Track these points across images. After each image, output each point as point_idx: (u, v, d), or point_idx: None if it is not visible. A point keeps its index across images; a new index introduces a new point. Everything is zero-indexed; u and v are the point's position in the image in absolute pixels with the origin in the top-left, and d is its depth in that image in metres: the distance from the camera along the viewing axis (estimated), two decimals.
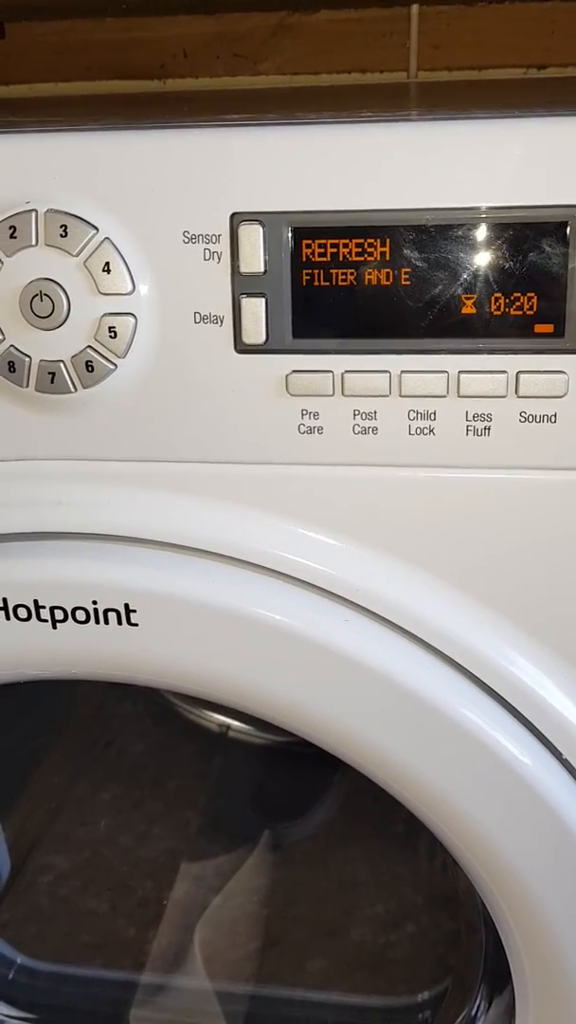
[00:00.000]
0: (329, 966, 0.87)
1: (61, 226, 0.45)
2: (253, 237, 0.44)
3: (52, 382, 0.47)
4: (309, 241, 0.44)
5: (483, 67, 0.96)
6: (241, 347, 0.46)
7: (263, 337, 0.46)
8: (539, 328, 0.44)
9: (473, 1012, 0.70)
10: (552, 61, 0.94)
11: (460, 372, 0.45)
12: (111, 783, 1.05)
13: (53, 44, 0.99)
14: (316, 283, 0.45)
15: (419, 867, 0.92)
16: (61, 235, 0.45)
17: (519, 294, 0.44)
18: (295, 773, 1.04)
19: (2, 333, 0.46)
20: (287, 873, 0.96)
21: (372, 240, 0.44)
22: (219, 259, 0.45)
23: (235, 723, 1.06)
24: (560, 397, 0.45)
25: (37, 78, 1.02)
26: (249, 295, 0.45)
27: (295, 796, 1.03)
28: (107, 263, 0.45)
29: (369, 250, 0.44)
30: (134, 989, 0.88)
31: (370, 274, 0.45)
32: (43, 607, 0.50)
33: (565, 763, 0.51)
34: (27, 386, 0.47)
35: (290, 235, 0.44)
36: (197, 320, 0.46)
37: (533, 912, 0.54)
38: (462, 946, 0.78)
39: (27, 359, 0.46)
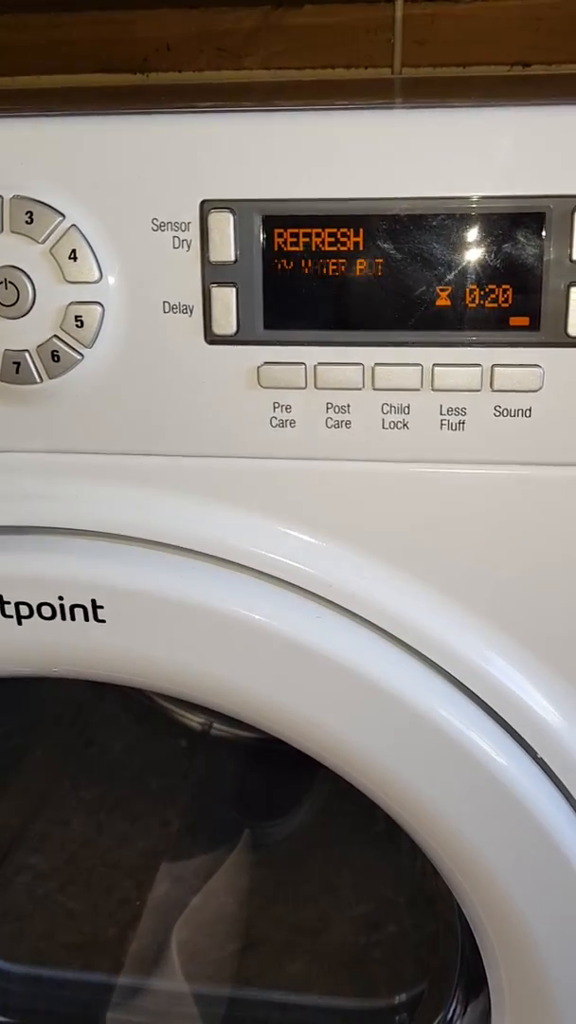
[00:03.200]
0: (308, 967, 0.86)
1: (27, 212, 0.44)
2: (223, 225, 0.43)
3: (17, 372, 0.46)
4: (281, 230, 0.44)
5: (468, 64, 0.95)
6: (211, 338, 0.45)
7: (234, 328, 0.45)
8: (514, 321, 0.44)
9: (449, 1016, 0.69)
10: (537, 59, 0.94)
11: (435, 365, 0.44)
12: (91, 782, 1.04)
13: (34, 37, 0.98)
14: (288, 273, 0.44)
15: (400, 867, 0.91)
16: (27, 221, 0.44)
17: (494, 286, 0.43)
18: (277, 772, 1.03)
19: None
20: (268, 873, 0.95)
21: (345, 230, 0.43)
22: (188, 247, 0.44)
23: (216, 722, 1.05)
24: (535, 391, 0.44)
25: (18, 71, 1.01)
26: (219, 284, 0.44)
27: (277, 796, 1.02)
28: (73, 250, 0.44)
29: (342, 240, 0.44)
30: (110, 991, 0.87)
31: (343, 264, 0.44)
32: (7, 603, 0.48)
33: (540, 762, 0.50)
34: None
35: (261, 223, 0.43)
36: (166, 310, 0.45)
37: (509, 914, 0.53)
38: (439, 948, 0.77)
39: None
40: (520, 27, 0.92)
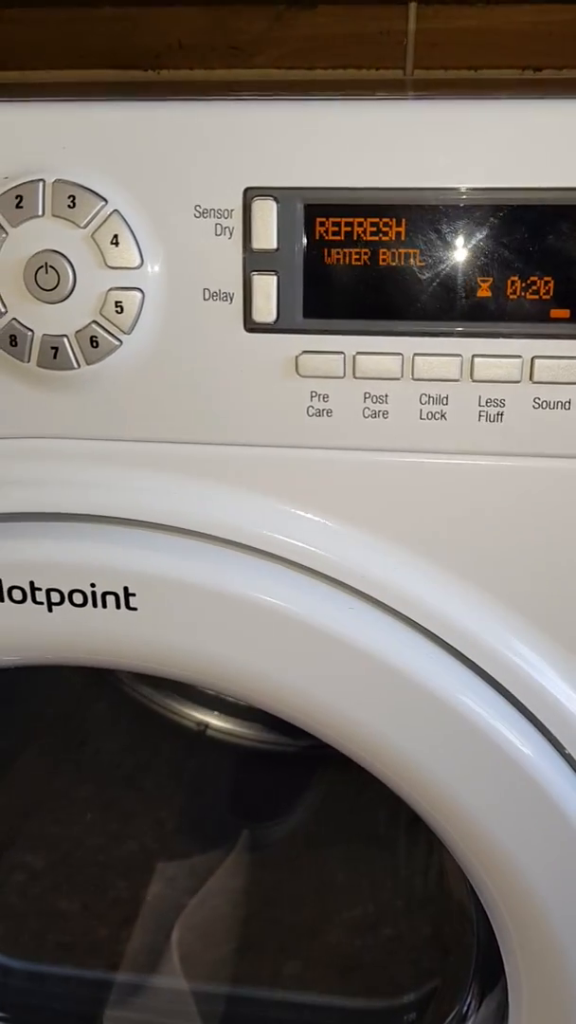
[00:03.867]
0: (306, 969, 0.86)
1: (69, 196, 0.43)
2: (266, 213, 0.43)
3: (55, 357, 0.45)
4: (323, 219, 0.44)
5: (479, 67, 0.96)
6: (251, 326, 0.45)
7: (274, 316, 0.45)
8: (555, 313, 0.44)
9: (464, 1010, 0.69)
10: (548, 63, 0.94)
11: (474, 356, 0.44)
12: (86, 782, 1.03)
13: (47, 31, 0.98)
14: (329, 262, 0.44)
15: (399, 868, 0.91)
16: (69, 206, 0.43)
17: (535, 278, 0.44)
18: (273, 774, 1.03)
19: (4, 305, 0.45)
20: (265, 874, 0.95)
21: (387, 219, 0.43)
22: (231, 235, 0.44)
23: (213, 722, 1.05)
24: (575, 384, 0.44)
25: (30, 65, 1.00)
26: (260, 272, 0.44)
27: (273, 797, 1.02)
28: (115, 236, 0.44)
29: (384, 229, 0.44)
30: (109, 989, 0.87)
31: (384, 254, 0.44)
32: (39, 589, 0.48)
33: (568, 757, 0.50)
34: (28, 361, 0.46)
35: (303, 212, 0.43)
36: (206, 297, 0.45)
37: (531, 907, 0.53)
38: (451, 945, 0.77)
39: (29, 333, 0.45)
40: (531, 31, 0.93)
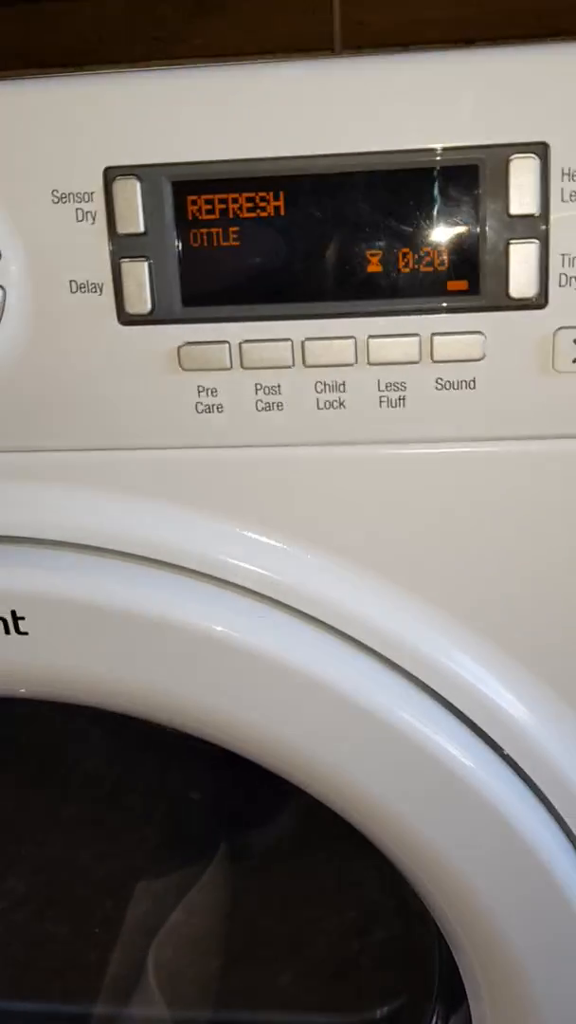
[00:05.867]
0: (292, 980, 0.83)
1: None
2: (129, 193, 0.40)
3: None
4: (194, 196, 0.40)
5: (409, 43, 0.93)
6: (125, 318, 0.41)
7: (148, 306, 0.41)
8: (452, 285, 0.40)
9: None
10: (480, 35, 0.91)
11: (369, 337, 0.41)
12: (65, 801, 1.00)
13: None
14: (205, 243, 0.40)
15: (383, 874, 0.88)
16: None
17: (429, 249, 0.40)
18: (254, 782, 1.00)
19: None
20: (247, 885, 0.92)
21: (264, 193, 0.40)
22: (93, 219, 0.40)
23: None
24: (478, 360, 0.41)
25: None
26: (130, 259, 0.41)
27: (256, 805, 0.99)
28: None
29: (261, 204, 0.40)
30: (88, 1021, 0.84)
31: (264, 231, 0.40)
32: None
33: (507, 759, 0.47)
34: None
35: (171, 190, 0.40)
36: (74, 289, 0.41)
37: (486, 924, 0.50)
38: (417, 962, 0.74)
39: None
40: (462, 2, 0.90)
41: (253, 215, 0.40)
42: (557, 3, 0.87)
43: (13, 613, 0.44)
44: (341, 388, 0.42)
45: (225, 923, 0.89)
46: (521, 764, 0.47)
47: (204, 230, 0.40)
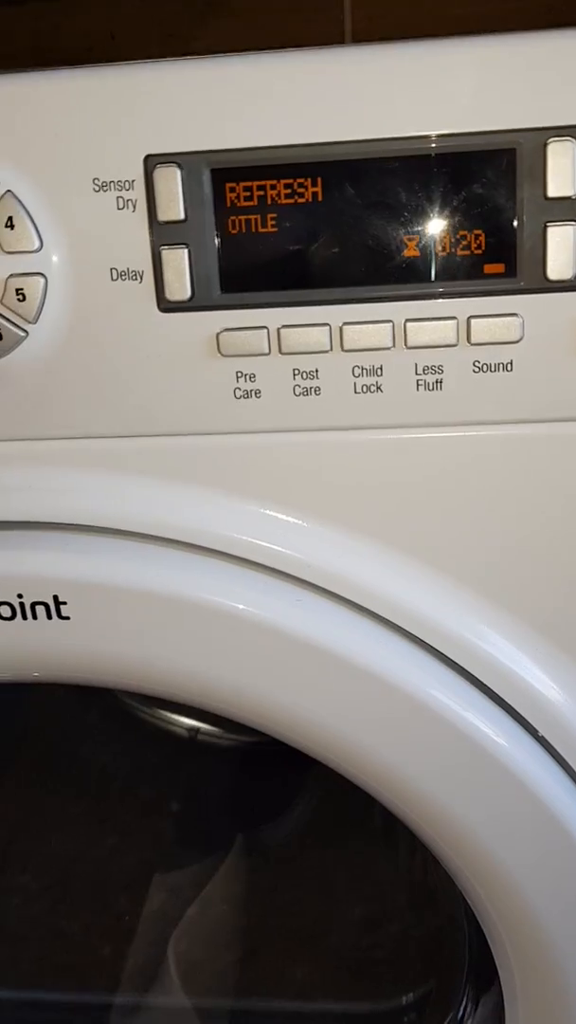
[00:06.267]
0: (311, 972, 0.83)
1: None
2: (170, 181, 0.40)
3: None
4: (233, 184, 0.40)
5: (418, 36, 0.93)
6: (165, 305, 0.42)
7: (188, 293, 0.41)
8: (489, 268, 0.41)
9: (460, 1014, 0.66)
10: (488, 30, 0.92)
11: (406, 321, 0.41)
12: (78, 797, 1.00)
13: None
14: (243, 230, 0.41)
15: (399, 865, 0.89)
16: None
17: (466, 232, 0.40)
18: (267, 775, 1.01)
19: None
20: (263, 878, 0.92)
21: (302, 180, 0.40)
22: (134, 207, 0.41)
23: (204, 726, 1.02)
24: (515, 343, 0.41)
25: None
26: (170, 246, 0.41)
27: (269, 798, 0.99)
28: (10, 218, 0.41)
29: (299, 191, 0.40)
30: (108, 1012, 0.84)
31: (302, 217, 0.41)
32: None
33: (542, 740, 0.47)
34: None
35: (211, 177, 0.40)
36: (114, 277, 0.41)
37: (515, 899, 0.50)
38: (445, 945, 0.74)
39: None
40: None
41: (291, 201, 0.41)
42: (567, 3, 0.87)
43: (55, 598, 0.44)
44: (379, 372, 0.42)
45: (242, 916, 0.89)
46: (555, 746, 0.48)
47: (242, 217, 0.41)
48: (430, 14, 0.90)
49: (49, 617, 0.45)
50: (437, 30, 0.88)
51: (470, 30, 0.84)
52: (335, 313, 0.42)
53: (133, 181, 0.40)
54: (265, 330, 0.42)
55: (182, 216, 0.41)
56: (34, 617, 0.45)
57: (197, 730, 1.02)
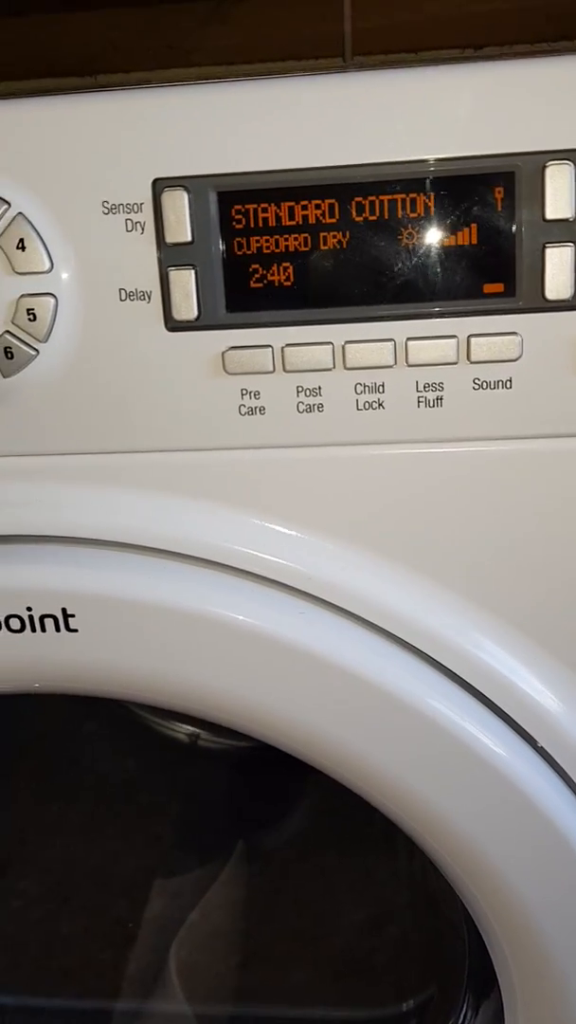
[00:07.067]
0: (312, 977, 0.84)
1: None
2: (178, 204, 0.41)
3: None
4: (239, 206, 0.41)
5: (419, 49, 0.94)
6: (172, 324, 0.43)
7: (195, 312, 0.42)
8: (488, 288, 0.42)
9: (460, 1020, 0.67)
10: (491, 40, 0.92)
11: (408, 339, 0.42)
12: (79, 802, 1.01)
13: None
14: (249, 251, 0.42)
15: (399, 869, 0.89)
16: None
17: (466, 252, 0.41)
18: (268, 780, 1.01)
19: None
20: (264, 882, 0.93)
21: (305, 202, 0.41)
22: (142, 230, 0.41)
23: (204, 732, 1.03)
24: (514, 360, 0.42)
25: None
26: (177, 267, 0.42)
27: (269, 803, 1.00)
28: (21, 240, 0.41)
29: (303, 213, 0.41)
30: (108, 1019, 0.85)
31: (305, 239, 0.42)
32: None
33: (541, 751, 0.48)
34: None
35: (217, 200, 0.41)
36: (123, 297, 0.42)
37: (517, 911, 0.51)
38: (445, 951, 0.75)
39: None
40: (472, 7, 0.90)
41: (294, 223, 0.42)
42: (567, 7, 0.88)
43: (64, 611, 0.45)
44: (380, 389, 0.43)
45: (243, 921, 0.90)
46: (555, 756, 0.49)
47: (248, 238, 0.42)
48: (430, 23, 0.91)
49: (57, 630, 0.45)
50: (436, 37, 0.89)
51: (471, 34, 0.85)
52: (338, 332, 0.43)
53: (141, 204, 0.41)
54: (270, 348, 0.43)
55: (189, 238, 0.41)
56: (43, 630, 0.46)
57: (197, 735, 1.02)
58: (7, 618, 0.46)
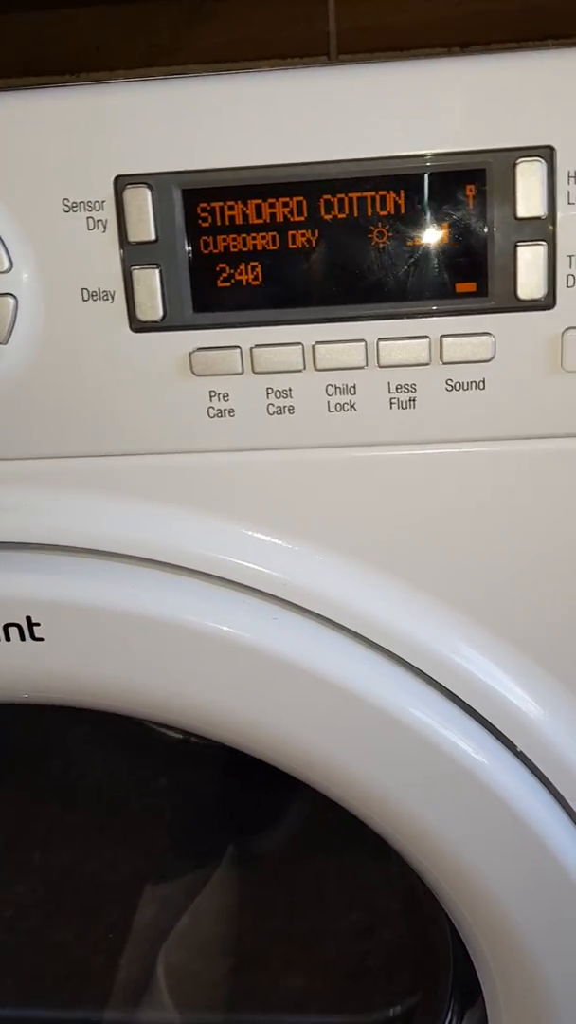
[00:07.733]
0: (302, 981, 0.83)
1: None
2: (140, 201, 0.40)
3: None
4: (204, 204, 0.40)
5: (405, 48, 0.93)
6: (137, 325, 0.42)
7: (160, 312, 0.41)
8: (461, 287, 0.41)
9: None
10: (476, 39, 0.92)
11: (379, 340, 0.41)
12: (70, 808, 1.00)
13: None
14: (215, 250, 0.41)
15: (390, 874, 0.89)
16: None
17: (437, 251, 0.41)
18: (260, 782, 1.00)
19: None
20: (255, 887, 0.92)
21: (273, 200, 0.40)
22: (104, 228, 0.40)
23: (195, 735, 1.02)
24: (487, 361, 0.41)
25: None
26: (141, 266, 0.41)
27: (261, 806, 0.99)
28: None
29: (271, 211, 0.40)
30: None
31: (273, 237, 0.41)
32: None
33: (520, 755, 0.47)
34: None
35: (181, 198, 0.40)
36: (86, 297, 0.41)
37: (498, 918, 0.50)
38: (432, 957, 0.74)
39: None
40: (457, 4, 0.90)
41: (261, 221, 0.41)
42: (548, 7, 0.87)
43: (28, 619, 0.44)
44: (352, 391, 0.42)
45: (234, 926, 0.89)
46: (535, 760, 0.48)
47: (215, 237, 0.41)
48: (416, 21, 0.90)
49: (23, 639, 0.44)
50: (422, 37, 0.88)
51: (459, 34, 0.84)
52: (308, 332, 0.42)
53: (103, 202, 0.40)
54: (238, 349, 0.42)
55: (153, 236, 0.40)
56: (7, 639, 0.45)
57: (188, 738, 1.01)
58: None
